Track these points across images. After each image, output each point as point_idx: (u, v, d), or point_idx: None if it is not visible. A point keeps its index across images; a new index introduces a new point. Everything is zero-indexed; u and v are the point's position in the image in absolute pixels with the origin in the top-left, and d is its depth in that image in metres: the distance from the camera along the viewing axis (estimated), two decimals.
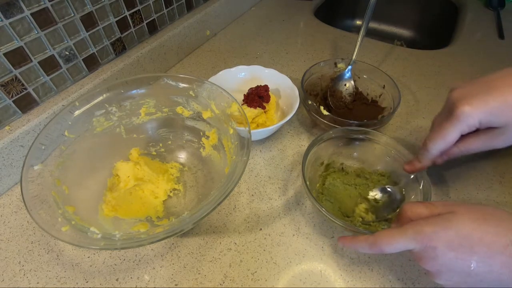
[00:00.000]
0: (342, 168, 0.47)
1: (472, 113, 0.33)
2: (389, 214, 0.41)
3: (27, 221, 0.43)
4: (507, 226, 0.28)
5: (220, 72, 0.56)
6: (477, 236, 0.27)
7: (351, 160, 0.48)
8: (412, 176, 0.41)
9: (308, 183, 0.40)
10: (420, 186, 0.40)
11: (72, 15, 0.48)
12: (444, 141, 0.36)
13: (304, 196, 0.46)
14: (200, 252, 0.40)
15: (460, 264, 0.28)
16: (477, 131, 0.36)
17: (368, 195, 0.44)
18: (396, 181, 0.44)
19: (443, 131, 0.36)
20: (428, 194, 0.38)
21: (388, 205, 0.42)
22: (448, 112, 0.36)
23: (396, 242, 0.30)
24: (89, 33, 0.51)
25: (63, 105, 0.49)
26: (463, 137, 0.36)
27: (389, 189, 0.43)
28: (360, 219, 0.41)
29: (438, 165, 0.40)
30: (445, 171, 0.48)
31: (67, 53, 0.49)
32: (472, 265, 0.27)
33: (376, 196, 0.43)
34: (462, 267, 0.28)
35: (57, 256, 0.40)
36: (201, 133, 0.48)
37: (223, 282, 0.38)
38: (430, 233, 0.28)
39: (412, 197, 0.40)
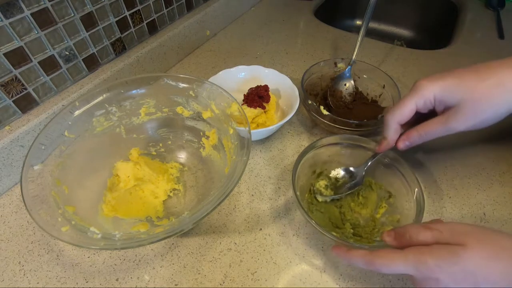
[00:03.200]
0: (330, 176, 0.46)
1: (428, 85, 0.36)
2: (345, 192, 0.43)
3: (27, 221, 0.43)
4: None
5: (220, 72, 0.56)
6: (483, 275, 0.26)
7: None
8: (406, 188, 0.41)
9: (298, 193, 0.39)
10: (414, 196, 0.39)
11: (72, 15, 0.48)
12: (400, 111, 0.38)
13: None
14: (200, 252, 0.40)
15: None
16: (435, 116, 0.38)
17: (330, 173, 0.46)
18: (390, 190, 0.43)
19: (400, 102, 0.38)
20: (421, 204, 0.37)
21: (346, 184, 0.44)
22: None
23: (394, 265, 0.29)
24: (89, 33, 0.51)
25: (63, 105, 0.49)
26: (421, 121, 0.38)
27: (352, 169, 0.45)
28: (351, 230, 0.40)
29: (401, 150, 0.41)
30: (446, 171, 0.48)
31: (67, 53, 0.49)
32: None
33: (338, 175, 0.45)
34: None
35: (57, 256, 0.40)
36: (201, 133, 0.48)
37: (223, 282, 0.38)
38: (433, 266, 0.27)
39: (405, 204, 0.40)
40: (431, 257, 0.27)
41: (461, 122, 0.36)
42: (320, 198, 0.44)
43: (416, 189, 0.39)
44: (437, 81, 0.36)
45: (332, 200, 0.44)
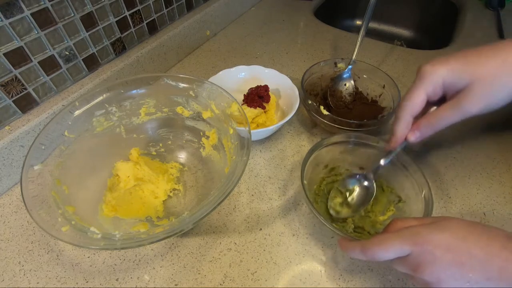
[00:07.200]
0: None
1: (434, 70, 0.34)
2: (362, 207, 0.41)
3: (27, 221, 0.43)
4: (496, 233, 0.28)
5: (220, 72, 0.56)
6: (473, 239, 0.27)
7: (355, 167, 0.47)
8: (416, 191, 0.40)
9: (306, 182, 0.39)
10: (422, 195, 0.38)
11: (72, 15, 0.48)
12: (411, 102, 0.36)
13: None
14: (200, 252, 0.40)
15: (459, 273, 0.27)
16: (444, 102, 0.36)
17: (340, 186, 0.43)
18: (401, 195, 0.42)
19: (409, 93, 0.36)
20: (430, 204, 0.37)
21: (360, 197, 0.42)
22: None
23: (390, 245, 0.29)
24: (89, 33, 0.51)
25: (63, 105, 0.49)
26: (432, 109, 0.37)
27: (362, 177, 0.42)
28: (352, 225, 0.40)
29: (414, 143, 0.38)
30: (446, 171, 0.48)
31: (67, 53, 0.49)
32: (471, 275, 0.27)
33: (349, 187, 0.42)
34: (461, 273, 0.27)
35: (57, 256, 0.40)
36: (201, 133, 0.48)
37: (223, 282, 0.38)
38: (427, 234, 0.28)
39: (414, 207, 0.40)
40: (423, 228, 0.29)
41: (474, 103, 0.33)
42: (335, 215, 0.42)
43: (425, 191, 0.38)
44: (442, 64, 0.34)
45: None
